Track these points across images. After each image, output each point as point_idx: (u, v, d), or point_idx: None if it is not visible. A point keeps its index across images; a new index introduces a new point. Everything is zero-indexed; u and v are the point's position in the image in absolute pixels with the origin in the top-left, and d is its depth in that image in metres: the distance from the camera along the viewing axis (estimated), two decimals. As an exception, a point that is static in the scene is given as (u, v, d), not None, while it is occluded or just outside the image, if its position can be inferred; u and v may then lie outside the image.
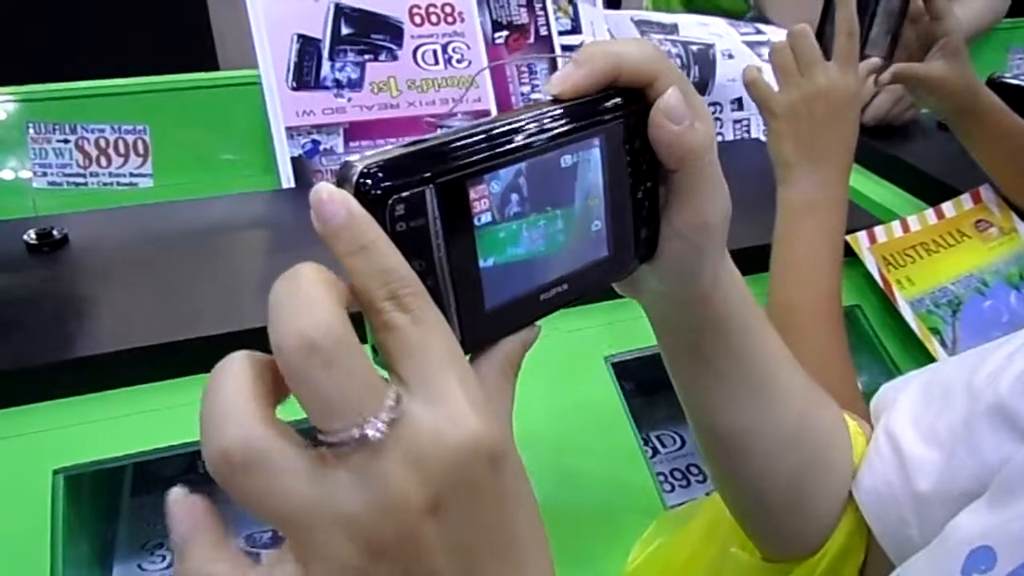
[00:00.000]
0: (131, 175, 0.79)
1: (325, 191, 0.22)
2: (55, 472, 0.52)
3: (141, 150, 0.79)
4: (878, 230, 0.79)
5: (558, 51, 0.90)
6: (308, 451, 0.22)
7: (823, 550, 0.43)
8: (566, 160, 0.28)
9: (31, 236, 0.66)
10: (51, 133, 0.75)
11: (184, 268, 0.66)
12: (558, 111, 0.28)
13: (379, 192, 0.23)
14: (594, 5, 0.91)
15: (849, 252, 0.76)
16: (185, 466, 0.66)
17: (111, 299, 0.61)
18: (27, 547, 0.49)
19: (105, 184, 0.77)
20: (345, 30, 0.85)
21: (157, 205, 0.75)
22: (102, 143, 0.77)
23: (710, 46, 0.98)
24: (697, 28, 1.00)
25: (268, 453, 0.21)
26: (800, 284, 0.63)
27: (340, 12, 0.85)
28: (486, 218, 0.26)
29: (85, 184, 0.77)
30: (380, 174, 0.23)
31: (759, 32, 1.04)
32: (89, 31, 1.61)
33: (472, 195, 0.25)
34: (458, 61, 0.87)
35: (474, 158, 0.25)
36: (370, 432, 0.21)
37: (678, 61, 0.95)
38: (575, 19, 0.90)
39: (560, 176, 0.28)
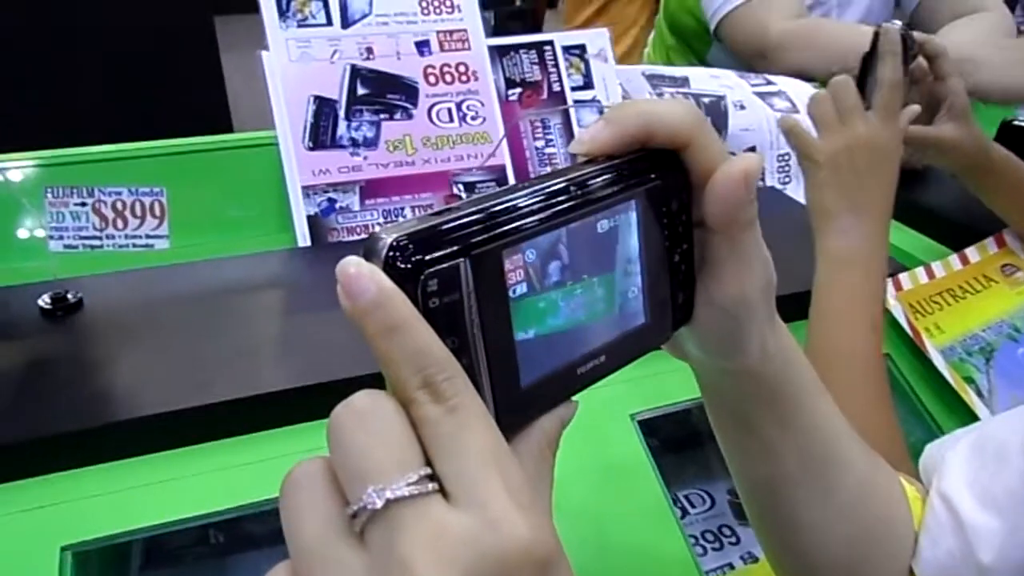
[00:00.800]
0: (147, 236, 0.78)
1: (353, 265, 0.21)
2: (63, 549, 0.49)
3: (158, 212, 0.78)
4: (903, 277, 0.77)
5: (571, 109, 0.90)
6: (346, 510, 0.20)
7: None
8: (603, 225, 0.27)
9: (46, 301, 0.65)
10: (68, 197, 0.74)
11: (199, 331, 0.64)
12: (592, 174, 0.27)
13: (410, 266, 0.21)
14: (605, 61, 0.91)
15: (875, 300, 0.74)
16: (196, 538, 0.64)
17: (124, 365, 0.59)
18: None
19: (121, 246, 0.76)
20: (361, 91, 0.85)
21: (173, 267, 0.74)
22: (119, 205, 0.76)
23: (721, 97, 0.98)
24: (708, 80, 1.00)
25: (312, 479, 0.21)
26: (841, 336, 0.60)
27: (356, 74, 0.85)
28: (522, 289, 0.24)
29: (101, 247, 0.75)
30: (411, 246, 0.21)
31: (769, 83, 1.04)
32: (99, 96, 1.64)
33: (508, 266, 0.24)
34: (472, 118, 0.87)
35: (509, 227, 0.24)
36: (379, 500, 0.19)
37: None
38: (587, 75, 0.90)
39: (597, 242, 0.27)
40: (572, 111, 0.89)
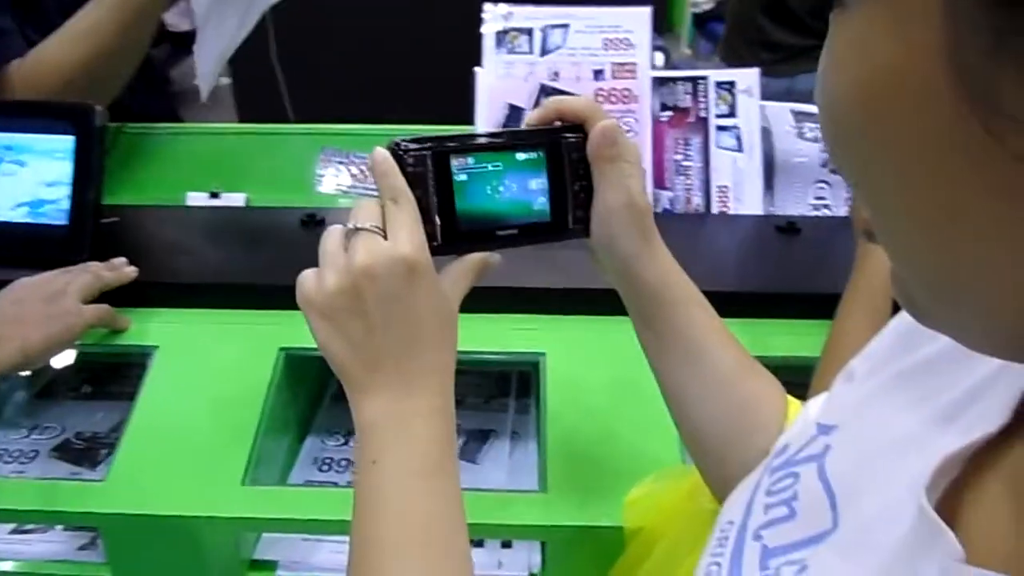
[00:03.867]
0: (378, 192, 1.14)
1: (379, 151, 0.48)
2: (280, 349, 0.83)
3: (387, 175, 1.14)
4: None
5: (712, 132, 1.10)
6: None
7: None
8: (520, 156, 0.51)
9: (302, 217, 1.02)
10: (333, 156, 1.12)
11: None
12: (525, 131, 0.53)
13: (399, 151, 0.48)
14: (751, 96, 1.09)
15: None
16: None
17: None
18: (245, 401, 0.79)
19: (361, 194, 1.13)
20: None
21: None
22: (364, 167, 1.13)
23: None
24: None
25: (335, 228, 0.48)
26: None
27: (543, 90, 1.14)
28: (462, 176, 0.49)
29: (348, 193, 1.13)
30: (403, 144, 0.48)
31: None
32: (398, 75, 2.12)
33: (454, 162, 0.48)
34: (627, 131, 1.11)
35: (460, 144, 0.49)
36: (354, 225, 0.46)
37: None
38: (732, 106, 1.10)
39: (516, 164, 0.51)
40: (712, 134, 1.09)
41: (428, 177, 0.47)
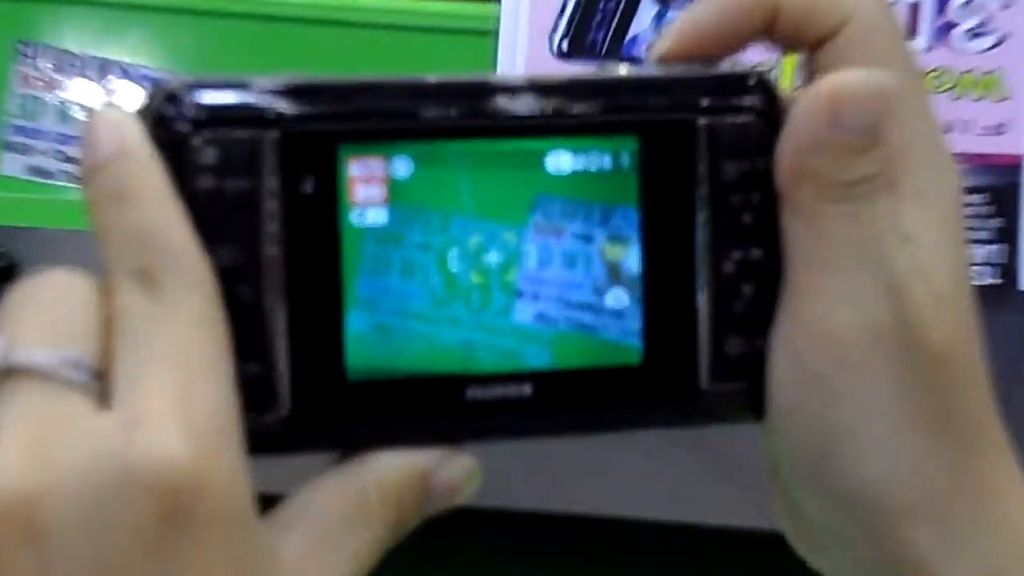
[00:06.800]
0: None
1: (104, 114, 0.20)
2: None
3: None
4: None
5: None
6: None
7: None
8: (561, 163, 0.21)
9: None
10: (52, 69, 0.44)
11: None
12: (581, 80, 0.21)
13: (183, 123, 0.19)
14: None
15: None
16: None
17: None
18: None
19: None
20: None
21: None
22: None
23: None
24: None
25: None
26: None
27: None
28: (377, 218, 0.20)
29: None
30: (195, 98, 0.19)
31: None
32: None
33: (353, 171, 0.20)
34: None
35: (376, 113, 0.20)
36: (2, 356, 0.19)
37: None
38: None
39: (548, 188, 0.21)
40: None
41: (266, 210, 0.19)
